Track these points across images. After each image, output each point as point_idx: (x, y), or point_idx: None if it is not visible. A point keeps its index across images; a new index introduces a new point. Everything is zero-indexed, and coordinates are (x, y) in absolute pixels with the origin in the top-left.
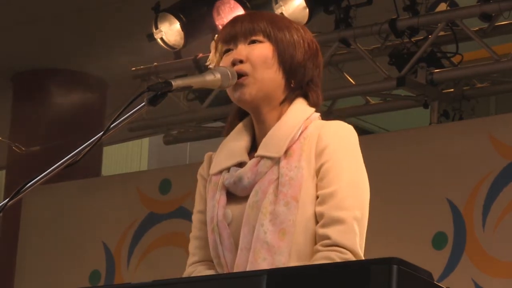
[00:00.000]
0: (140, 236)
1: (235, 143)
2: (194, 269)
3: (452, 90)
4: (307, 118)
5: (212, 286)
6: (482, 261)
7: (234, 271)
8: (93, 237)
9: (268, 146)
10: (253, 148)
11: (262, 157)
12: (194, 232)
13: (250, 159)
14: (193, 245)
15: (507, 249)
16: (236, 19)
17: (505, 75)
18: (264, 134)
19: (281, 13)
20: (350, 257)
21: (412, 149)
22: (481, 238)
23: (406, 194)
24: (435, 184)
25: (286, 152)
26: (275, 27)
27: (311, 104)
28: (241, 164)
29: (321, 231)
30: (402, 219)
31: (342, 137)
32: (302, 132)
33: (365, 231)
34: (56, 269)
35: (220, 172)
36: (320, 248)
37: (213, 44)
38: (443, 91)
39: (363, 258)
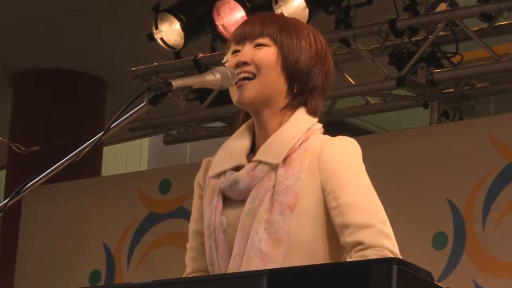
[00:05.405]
0: (140, 236)
1: (235, 144)
2: None
3: (452, 90)
4: (309, 129)
5: (212, 286)
6: (482, 261)
7: None
8: (93, 237)
9: (267, 151)
10: (252, 151)
11: (260, 162)
12: (189, 242)
13: (248, 162)
14: (187, 256)
15: (507, 249)
16: (248, 20)
17: (505, 75)
18: (263, 138)
19: (282, 13)
20: (387, 253)
21: (412, 149)
22: (481, 238)
23: (406, 194)
24: (435, 184)
25: (285, 160)
26: (283, 32)
27: (309, 112)
28: (238, 168)
29: (350, 239)
30: (402, 219)
31: (345, 149)
32: (302, 142)
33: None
34: (56, 269)
35: (218, 175)
36: (353, 254)
37: (227, 43)
38: (443, 91)
39: (400, 256)
